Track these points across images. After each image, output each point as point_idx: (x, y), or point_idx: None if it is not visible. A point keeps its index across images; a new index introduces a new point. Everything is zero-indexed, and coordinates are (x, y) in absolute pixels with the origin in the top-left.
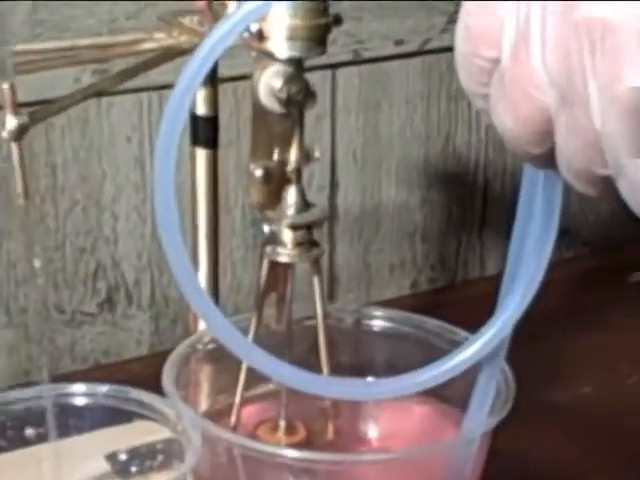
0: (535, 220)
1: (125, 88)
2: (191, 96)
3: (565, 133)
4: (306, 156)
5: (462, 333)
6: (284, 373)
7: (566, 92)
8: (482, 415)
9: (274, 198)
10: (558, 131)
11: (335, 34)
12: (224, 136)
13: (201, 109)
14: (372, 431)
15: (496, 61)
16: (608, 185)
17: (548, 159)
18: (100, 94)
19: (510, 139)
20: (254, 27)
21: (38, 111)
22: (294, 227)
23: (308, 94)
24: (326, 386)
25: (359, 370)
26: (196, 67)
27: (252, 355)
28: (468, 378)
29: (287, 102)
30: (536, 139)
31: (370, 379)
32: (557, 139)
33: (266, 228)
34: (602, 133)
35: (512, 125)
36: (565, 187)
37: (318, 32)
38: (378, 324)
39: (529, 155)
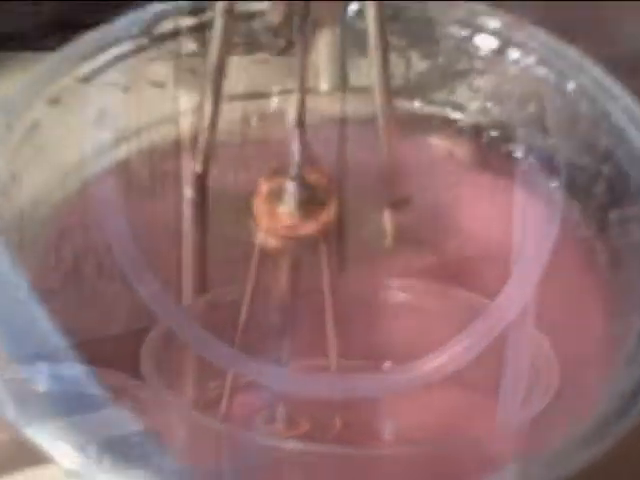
0: None
1: None
2: None
3: None
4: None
5: None
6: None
7: None
8: (516, 399)
9: None
10: None
11: None
12: None
13: None
14: (387, 424)
15: None
16: None
17: None
18: None
19: None
20: None
21: None
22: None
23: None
24: (324, 385)
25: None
26: None
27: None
28: (497, 358)
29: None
30: None
31: (386, 364)
32: None
33: None
34: None
35: None
36: None
37: None
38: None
39: None
